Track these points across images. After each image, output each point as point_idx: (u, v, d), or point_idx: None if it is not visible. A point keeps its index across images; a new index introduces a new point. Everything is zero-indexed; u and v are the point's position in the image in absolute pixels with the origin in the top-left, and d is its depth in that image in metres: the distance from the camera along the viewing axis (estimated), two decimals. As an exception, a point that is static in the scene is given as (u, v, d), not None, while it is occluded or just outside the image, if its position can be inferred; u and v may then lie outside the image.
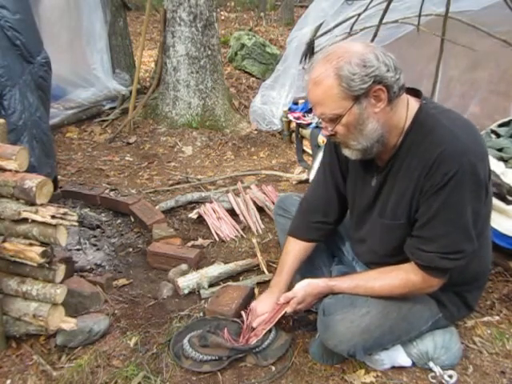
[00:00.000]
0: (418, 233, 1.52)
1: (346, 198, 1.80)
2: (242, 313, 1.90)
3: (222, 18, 10.03)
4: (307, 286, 1.71)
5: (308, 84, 1.45)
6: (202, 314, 2.06)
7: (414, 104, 1.50)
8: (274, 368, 1.75)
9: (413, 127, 1.48)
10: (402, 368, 1.75)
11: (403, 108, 1.48)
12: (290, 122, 4.37)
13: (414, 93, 1.54)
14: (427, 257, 1.49)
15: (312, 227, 1.86)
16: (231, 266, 2.37)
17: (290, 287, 1.81)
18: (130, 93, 4.79)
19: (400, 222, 1.55)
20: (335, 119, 1.44)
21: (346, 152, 1.54)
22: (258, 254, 2.47)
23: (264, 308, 1.83)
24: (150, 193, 3.37)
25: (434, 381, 1.70)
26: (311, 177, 3.13)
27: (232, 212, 2.96)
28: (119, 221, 2.93)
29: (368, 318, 1.59)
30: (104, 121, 4.82)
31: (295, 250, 1.87)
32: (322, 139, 3.37)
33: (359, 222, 1.74)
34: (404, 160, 1.51)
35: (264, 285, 2.26)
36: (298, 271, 1.89)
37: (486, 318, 2.01)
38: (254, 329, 1.82)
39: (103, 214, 2.97)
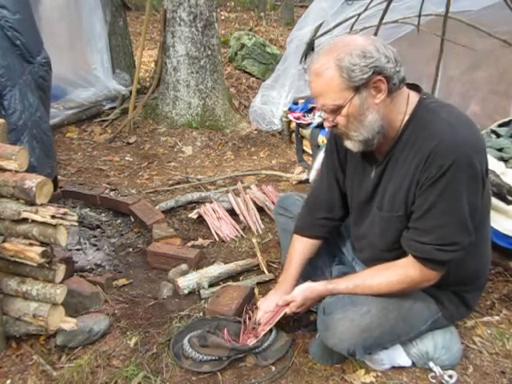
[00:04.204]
0: (414, 225, 1.53)
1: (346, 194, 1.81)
2: (250, 312, 1.90)
3: (222, 18, 10.02)
4: (306, 290, 1.72)
5: (309, 75, 1.47)
6: (202, 314, 2.06)
7: (414, 98, 1.52)
8: (273, 368, 1.75)
9: (411, 120, 1.50)
10: (401, 368, 1.75)
11: (403, 102, 1.50)
12: (290, 121, 4.36)
13: (415, 88, 1.56)
14: (424, 249, 1.50)
15: (317, 224, 1.87)
16: (231, 266, 2.37)
17: (297, 284, 1.81)
18: (130, 93, 4.79)
19: (398, 215, 1.56)
20: (336, 110, 1.46)
21: (348, 144, 1.55)
22: (258, 254, 2.47)
23: (270, 305, 1.82)
24: (150, 193, 3.36)
25: (434, 381, 1.70)
26: (311, 177, 3.14)
27: (232, 212, 2.96)
28: (119, 221, 2.93)
29: (368, 316, 1.59)
30: (104, 121, 4.82)
31: (302, 246, 1.88)
32: (322, 139, 3.37)
33: (359, 215, 1.74)
34: (402, 152, 1.52)
35: (264, 285, 2.26)
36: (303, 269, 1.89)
37: (485, 318, 2.01)
38: (254, 329, 1.82)
39: (103, 214, 2.97)
